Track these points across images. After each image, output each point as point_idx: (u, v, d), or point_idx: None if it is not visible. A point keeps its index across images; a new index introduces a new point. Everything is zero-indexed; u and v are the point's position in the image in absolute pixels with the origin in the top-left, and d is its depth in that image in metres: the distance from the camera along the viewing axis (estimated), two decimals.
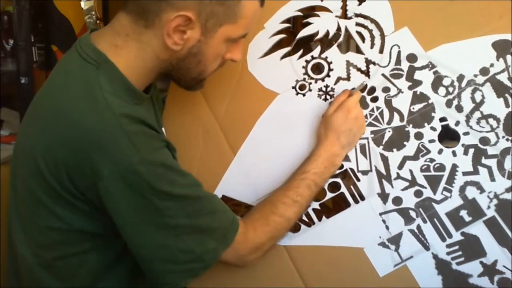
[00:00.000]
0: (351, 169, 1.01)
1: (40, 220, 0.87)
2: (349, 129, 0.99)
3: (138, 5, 0.84)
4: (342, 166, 1.02)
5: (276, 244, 1.00)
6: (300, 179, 0.98)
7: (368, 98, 1.02)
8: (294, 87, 1.04)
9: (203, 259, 0.87)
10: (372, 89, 1.01)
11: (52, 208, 0.85)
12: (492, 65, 0.97)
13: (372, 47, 1.01)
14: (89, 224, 0.87)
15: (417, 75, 1.00)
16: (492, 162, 0.97)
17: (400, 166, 1.00)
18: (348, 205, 1.01)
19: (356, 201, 1.01)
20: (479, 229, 0.97)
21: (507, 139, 0.96)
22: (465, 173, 0.98)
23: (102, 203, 0.82)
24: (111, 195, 0.81)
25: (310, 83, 1.03)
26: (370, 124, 1.01)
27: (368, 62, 1.01)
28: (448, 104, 0.99)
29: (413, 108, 1.00)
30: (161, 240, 0.84)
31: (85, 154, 0.79)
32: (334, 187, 1.01)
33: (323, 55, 1.03)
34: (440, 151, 0.99)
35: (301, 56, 1.03)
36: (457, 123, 0.99)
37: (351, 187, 1.01)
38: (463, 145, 0.98)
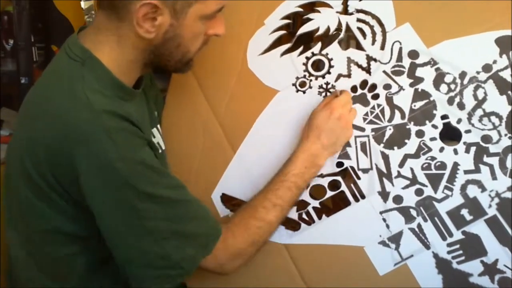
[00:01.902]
0: (352, 167, 0.97)
1: (29, 221, 0.84)
2: (330, 128, 0.94)
3: (108, 1, 0.82)
4: (342, 164, 0.97)
5: (261, 248, 0.94)
6: (280, 181, 0.93)
7: (369, 95, 0.97)
8: (294, 84, 1.00)
9: (181, 266, 0.82)
10: (373, 86, 0.97)
11: (40, 209, 0.82)
12: (495, 61, 0.93)
13: (373, 43, 0.97)
14: (75, 226, 0.84)
15: (419, 72, 0.96)
16: (494, 161, 0.93)
17: (401, 164, 0.96)
18: (348, 203, 0.97)
19: (357, 200, 0.97)
20: (480, 228, 0.93)
21: (510, 137, 0.93)
22: (466, 172, 0.94)
23: (85, 200, 0.79)
24: (90, 192, 0.78)
25: (310, 80, 0.99)
26: (370, 122, 0.97)
27: (369, 58, 0.97)
28: (450, 101, 0.95)
29: (415, 106, 0.96)
30: (137, 243, 0.80)
31: (64, 150, 0.77)
32: (334, 185, 0.98)
33: (323, 52, 0.98)
34: (441, 149, 0.95)
35: (301, 53, 0.99)
36: (459, 121, 0.94)
37: (352, 185, 0.97)
38: (464, 143, 0.94)
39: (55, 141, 0.78)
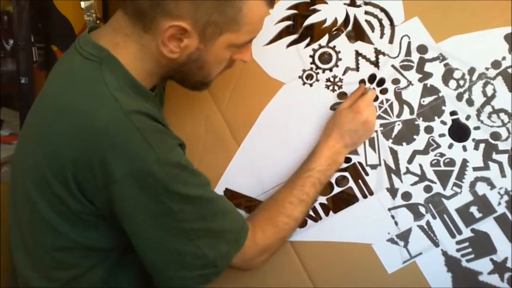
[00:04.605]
0: (360, 163, 0.89)
1: (44, 239, 0.74)
2: (354, 130, 0.87)
3: (135, 7, 0.72)
4: (350, 160, 0.88)
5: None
6: (305, 177, 0.86)
7: (377, 90, 0.89)
8: (300, 77, 0.90)
9: (215, 265, 0.75)
10: (382, 81, 0.89)
11: (55, 223, 0.72)
12: (504, 58, 0.87)
13: (381, 37, 0.89)
14: (94, 237, 0.74)
15: (428, 67, 0.89)
16: (503, 158, 0.87)
17: (410, 161, 0.88)
18: (356, 200, 0.90)
19: (365, 196, 0.90)
20: (489, 226, 0.86)
21: None
22: (475, 169, 0.87)
23: (111, 209, 0.70)
24: (123, 199, 0.69)
25: (317, 73, 0.90)
26: (379, 117, 0.90)
27: (377, 52, 0.89)
28: (459, 97, 0.87)
29: (423, 101, 0.88)
30: (174, 245, 0.73)
31: (95, 155, 0.67)
32: (342, 181, 0.90)
33: (331, 44, 0.89)
34: (450, 146, 0.88)
35: (308, 45, 0.90)
36: (468, 117, 0.88)
37: (360, 181, 0.90)
38: (473, 139, 0.88)
39: (84, 145, 0.67)
